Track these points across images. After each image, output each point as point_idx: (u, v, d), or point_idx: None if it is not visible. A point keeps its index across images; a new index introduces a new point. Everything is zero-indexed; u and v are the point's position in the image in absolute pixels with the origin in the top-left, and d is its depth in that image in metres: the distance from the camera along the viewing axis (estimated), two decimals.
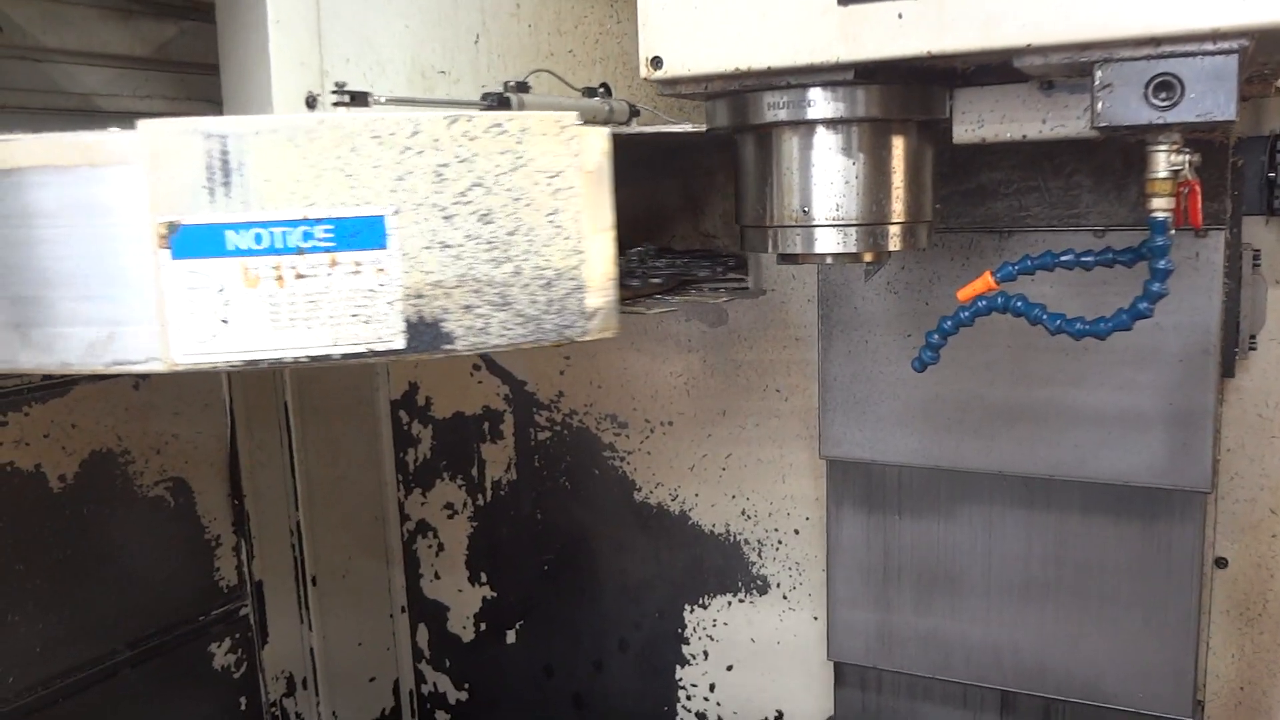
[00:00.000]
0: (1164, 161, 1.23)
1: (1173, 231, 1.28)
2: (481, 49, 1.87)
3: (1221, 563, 2.29)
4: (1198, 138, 1.30)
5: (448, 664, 3.32)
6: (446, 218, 1.19)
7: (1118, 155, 1.91)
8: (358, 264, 1.17)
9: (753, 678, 2.87)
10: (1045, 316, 1.39)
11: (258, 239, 1.15)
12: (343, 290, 1.16)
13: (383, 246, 1.17)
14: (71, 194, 1.15)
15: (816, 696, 2.75)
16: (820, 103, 1.37)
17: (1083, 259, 1.41)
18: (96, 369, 1.16)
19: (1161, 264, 1.28)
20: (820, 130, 1.45)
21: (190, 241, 1.14)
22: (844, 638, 2.39)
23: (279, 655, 2.99)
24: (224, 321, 1.15)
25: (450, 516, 3.20)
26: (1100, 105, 1.18)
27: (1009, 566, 2.21)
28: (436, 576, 3.27)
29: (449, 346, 1.20)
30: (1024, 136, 1.44)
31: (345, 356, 1.18)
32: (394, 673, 3.38)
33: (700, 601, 2.89)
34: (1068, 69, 1.22)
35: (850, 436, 2.28)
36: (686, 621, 2.92)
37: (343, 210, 1.16)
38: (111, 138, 1.13)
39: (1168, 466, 2.02)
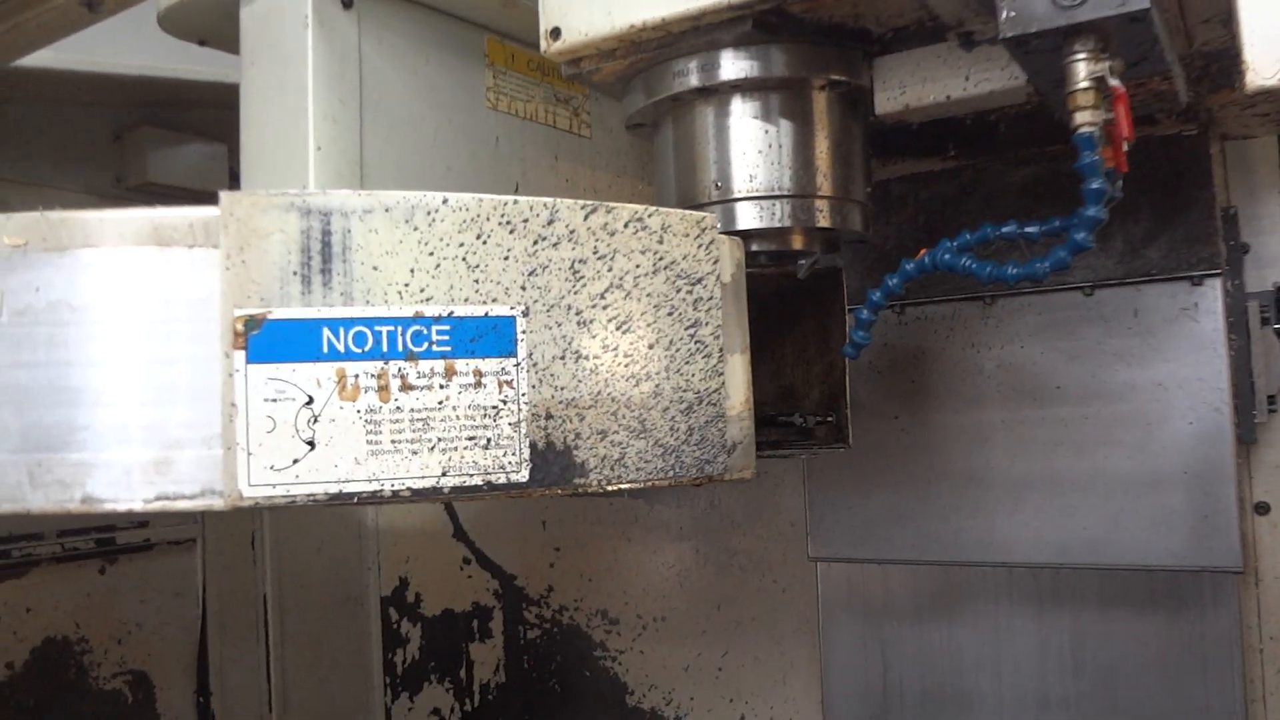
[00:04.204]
0: (1084, 70, 1.11)
1: (1100, 150, 1.14)
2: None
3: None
4: (1145, 91, 1.24)
5: None
6: (582, 323, 1.00)
7: None
8: (479, 374, 0.96)
9: None
10: (974, 265, 1.28)
11: (359, 339, 0.94)
12: (459, 407, 0.96)
13: (511, 354, 0.97)
14: (121, 281, 0.93)
15: None
16: (728, 63, 1.31)
17: (1025, 231, 1.30)
18: (133, 507, 0.92)
19: (1095, 185, 1.13)
20: (732, 96, 1.36)
21: (276, 340, 0.93)
22: None
23: None
24: (309, 444, 0.92)
25: None
26: (1005, 13, 1.08)
27: (1022, 676, 1.95)
28: None
29: (580, 480, 1.00)
30: (948, 97, 1.35)
31: (456, 490, 0.95)
32: None
33: None
34: None
35: (840, 534, 2.07)
36: None
37: (465, 309, 0.96)
38: (186, 214, 0.94)
39: (1191, 545, 1.77)
